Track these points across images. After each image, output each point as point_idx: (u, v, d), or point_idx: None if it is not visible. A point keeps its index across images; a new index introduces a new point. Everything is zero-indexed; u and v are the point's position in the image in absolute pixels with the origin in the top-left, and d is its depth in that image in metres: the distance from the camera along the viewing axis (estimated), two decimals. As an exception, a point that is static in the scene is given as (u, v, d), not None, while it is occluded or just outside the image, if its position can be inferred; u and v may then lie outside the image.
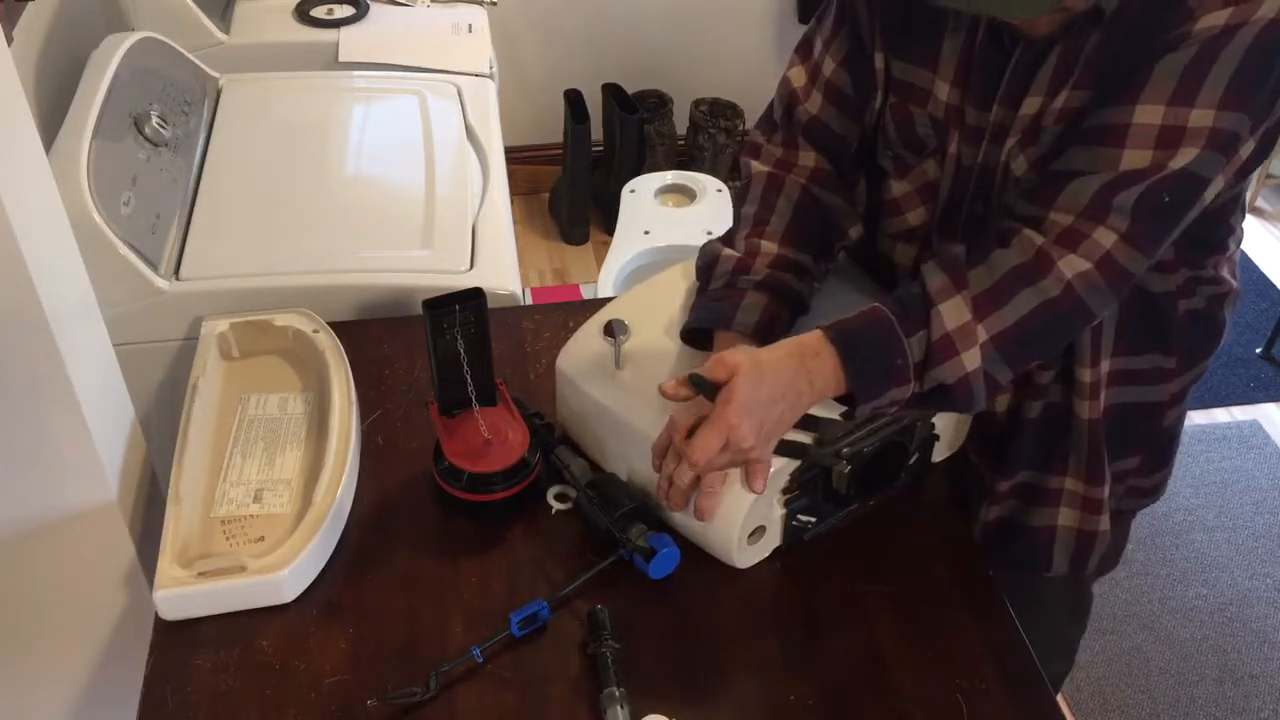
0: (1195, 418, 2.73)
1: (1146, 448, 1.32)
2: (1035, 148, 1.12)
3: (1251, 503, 2.54)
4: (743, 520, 1.16)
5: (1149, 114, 1.02)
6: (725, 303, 1.20)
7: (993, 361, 1.06)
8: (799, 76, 1.28)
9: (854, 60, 1.23)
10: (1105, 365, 1.23)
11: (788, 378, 1.06)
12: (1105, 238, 1.03)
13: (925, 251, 1.28)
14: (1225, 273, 1.24)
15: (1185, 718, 2.12)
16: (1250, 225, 3.36)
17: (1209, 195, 1.05)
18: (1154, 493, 1.39)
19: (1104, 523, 1.31)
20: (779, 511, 1.21)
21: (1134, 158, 1.02)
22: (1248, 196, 1.25)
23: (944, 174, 1.22)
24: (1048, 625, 1.51)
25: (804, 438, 1.15)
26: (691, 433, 1.08)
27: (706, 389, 1.08)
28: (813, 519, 1.23)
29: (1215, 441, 2.68)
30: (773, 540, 1.23)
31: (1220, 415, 2.77)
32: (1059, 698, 1.70)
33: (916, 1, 1.15)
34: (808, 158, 1.27)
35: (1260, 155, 1.09)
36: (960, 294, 1.06)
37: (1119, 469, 1.32)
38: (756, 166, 1.30)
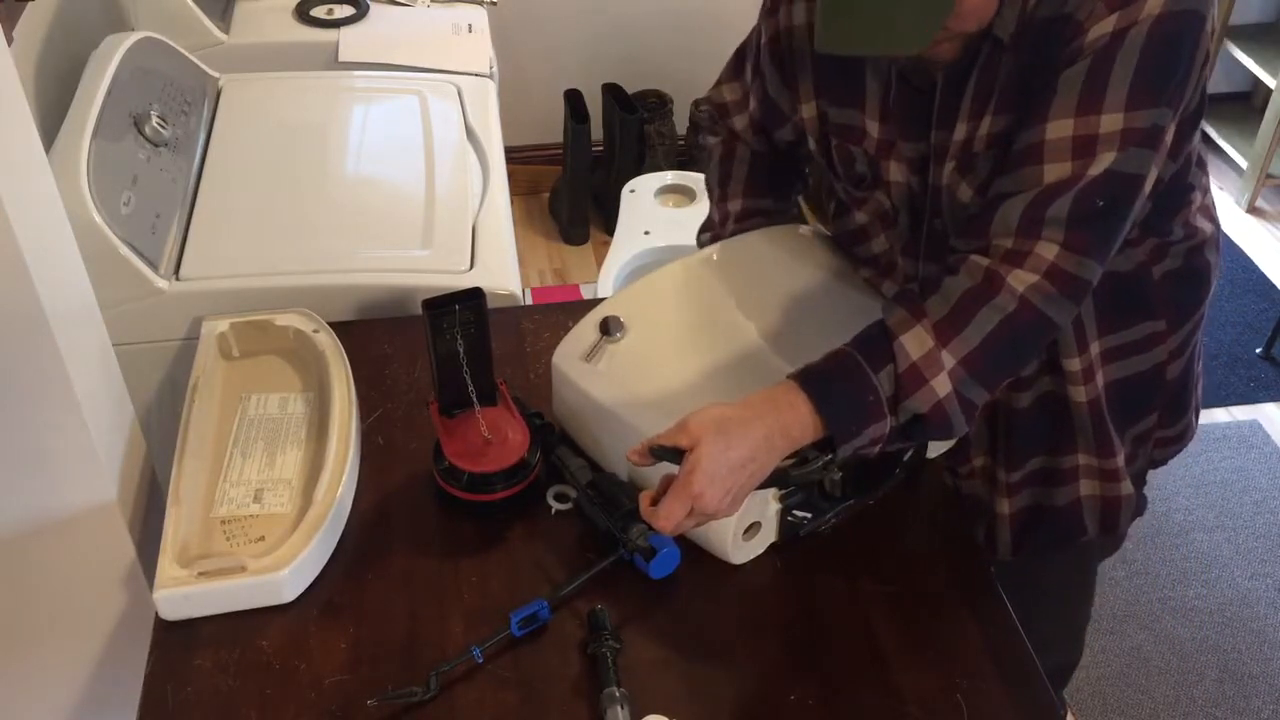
0: (1195, 418, 2.73)
1: (1160, 405, 1.33)
2: (973, 175, 1.15)
3: (1251, 503, 2.54)
4: (738, 517, 1.16)
5: (1060, 128, 1.04)
6: None
7: (966, 385, 1.07)
8: (732, 92, 1.41)
9: (769, 108, 1.35)
10: (1095, 348, 1.24)
11: (759, 438, 1.05)
12: (1047, 250, 1.05)
13: (893, 276, 1.32)
14: (1197, 222, 1.24)
15: (1185, 718, 2.12)
16: (1250, 225, 3.36)
17: (1147, 188, 1.06)
18: (1181, 439, 1.39)
19: (1126, 487, 1.32)
20: (774, 508, 1.21)
21: (1054, 171, 1.04)
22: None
23: (895, 201, 1.25)
24: (1057, 607, 1.52)
25: (785, 462, 1.14)
26: (658, 498, 1.08)
27: (670, 456, 1.07)
28: (808, 515, 1.23)
29: (1215, 441, 2.68)
30: (768, 536, 1.23)
31: (1220, 415, 2.77)
32: (1065, 695, 1.70)
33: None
34: (749, 141, 1.42)
35: (1190, 129, 1.11)
36: (920, 323, 1.07)
37: (1138, 432, 1.33)
38: (709, 139, 1.47)
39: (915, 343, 1.06)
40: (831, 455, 1.08)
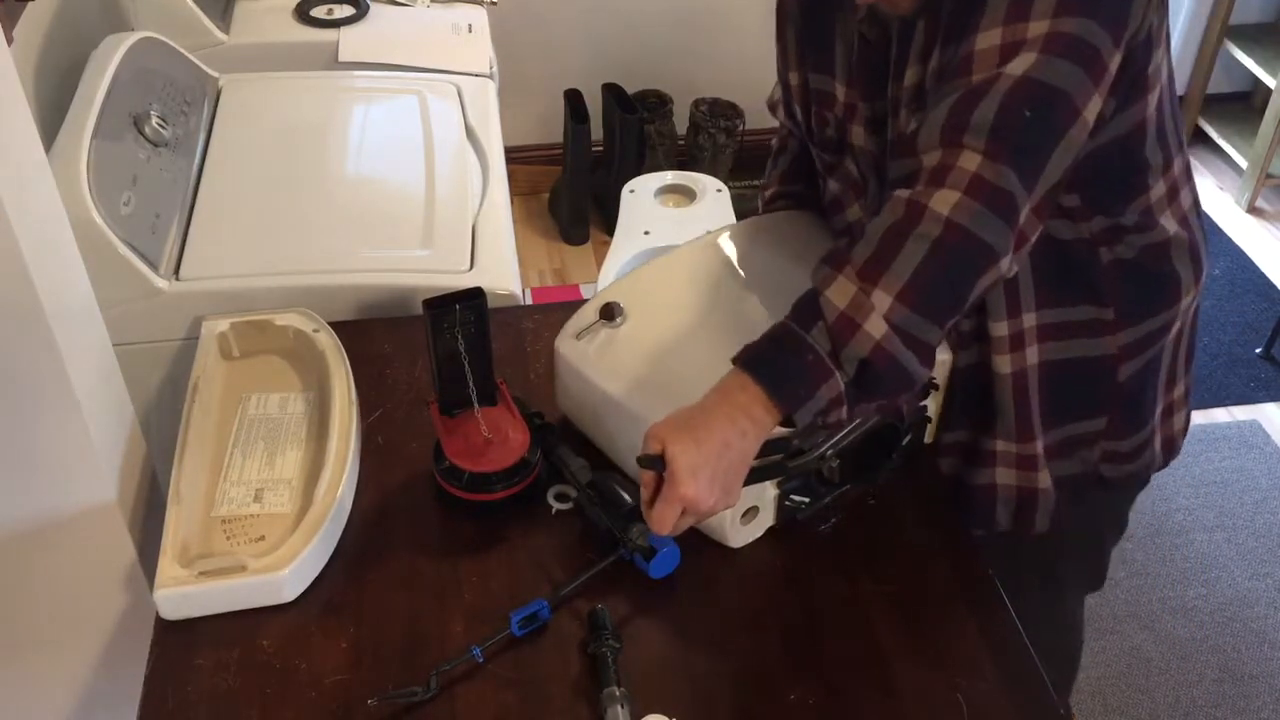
0: (1195, 418, 2.72)
1: (1109, 407, 1.29)
2: (922, 111, 1.12)
3: (1251, 503, 2.54)
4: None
5: (988, 38, 1.02)
6: None
7: (909, 322, 1.03)
8: (778, 89, 1.42)
9: (783, 85, 1.38)
10: (1029, 319, 1.21)
11: (724, 424, 1.05)
12: (969, 161, 1.01)
13: None
14: (1163, 219, 1.21)
15: (1185, 718, 2.12)
16: (1250, 225, 3.36)
17: (1086, 114, 1.03)
18: (1134, 457, 1.34)
19: (1043, 480, 1.30)
20: (772, 492, 1.21)
21: (979, 77, 1.02)
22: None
23: (863, 168, 1.26)
24: (1073, 592, 1.53)
25: (777, 455, 1.14)
26: (651, 499, 1.08)
27: (654, 464, 1.07)
28: (806, 499, 1.23)
29: (1215, 441, 2.68)
30: (766, 520, 1.23)
31: (1220, 415, 2.77)
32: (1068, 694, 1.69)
33: (819, 12, 1.24)
34: (794, 130, 1.43)
35: (1139, 70, 1.08)
36: (841, 273, 1.05)
37: (1081, 431, 1.30)
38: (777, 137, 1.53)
39: (838, 292, 1.04)
40: (794, 427, 1.07)
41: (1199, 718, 2.12)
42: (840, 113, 1.25)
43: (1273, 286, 3.15)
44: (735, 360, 1.08)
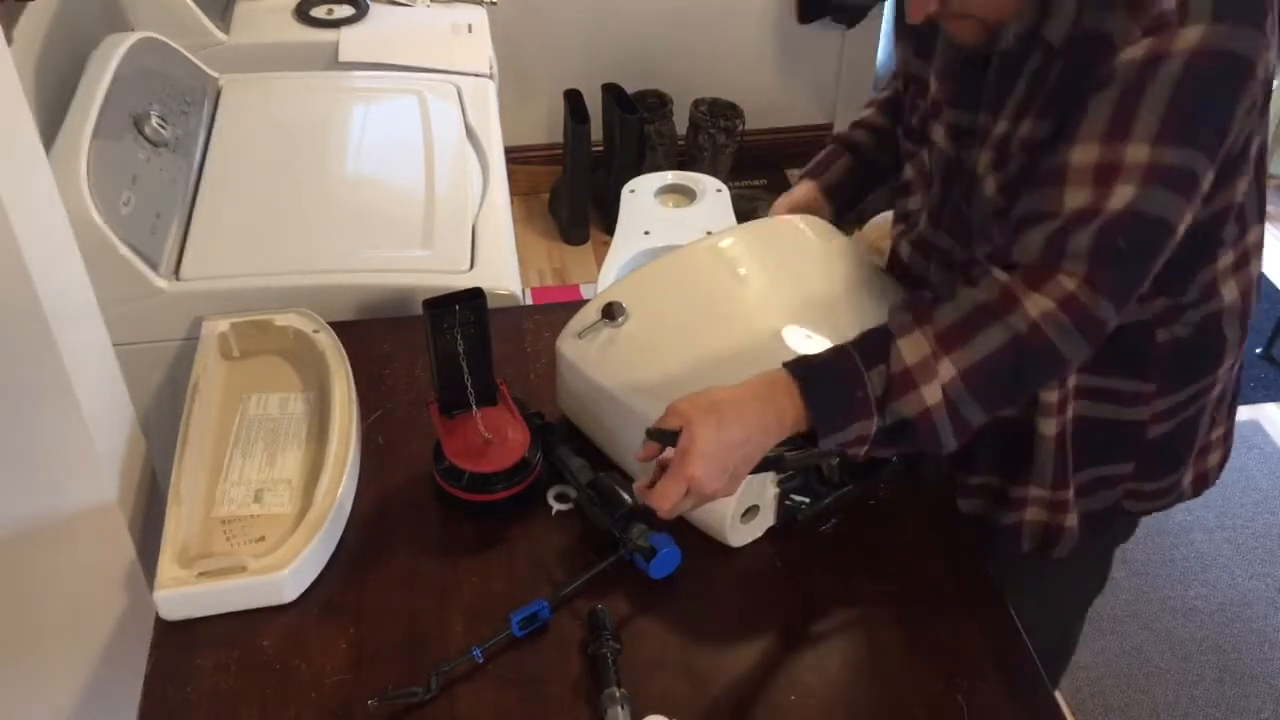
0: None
1: (1136, 458, 1.29)
2: (1003, 173, 1.13)
3: (1251, 503, 2.54)
4: (736, 499, 1.16)
5: (1085, 152, 1.01)
6: (819, 162, 1.49)
7: (962, 399, 1.05)
8: None
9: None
10: (1071, 381, 1.21)
11: (753, 418, 1.06)
12: (1068, 282, 1.02)
13: (920, 246, 1.31)
14: (1222, 286, 1.19)
15: (1185, 718, 2.12)
16: (1250, 225, 3.36)
17: (1180, 229, 1.03)
18: (1160, 496, 1.34)
19: (1070, 520, 1.30)
20: (772, 491, 1.21)
21: (1075, 196, 1.01)
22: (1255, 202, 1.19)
23: (932, 163, 1.25)
24: (1079, 592, 1.53)
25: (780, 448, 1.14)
26: (654, 482, 1.08)
27: (666, 439, 1.07)
28: (806, 499, 1.23)
29: (1215, 441, 2.68)
30: (766, 520, 1.23)
31: (1220, 415, 2.77)
32: (1058, 693, 1.69)
33: None
34: None
35: (1228, 177, 1.06)
36: (920, 329, 1.06)
37: (1105, 474, 1.29)
38: None
39: (912, 348, 1.05)
40: (815, 446, 1.08)
41: (1199, 718, 2.12)
42: (928, 106, 1.24)
43: (1273, 287, 3.15)
44: (787, 365, 1.08)
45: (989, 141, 1.14)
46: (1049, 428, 1.23)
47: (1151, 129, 0.98)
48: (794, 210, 1.45)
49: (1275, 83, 1.07)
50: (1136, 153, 0.99)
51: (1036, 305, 1.02)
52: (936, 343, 1.05)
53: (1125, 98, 0.99)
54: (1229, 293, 1.19)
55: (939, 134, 1.22)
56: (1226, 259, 1.17)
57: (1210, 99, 0.99)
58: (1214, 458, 1.36)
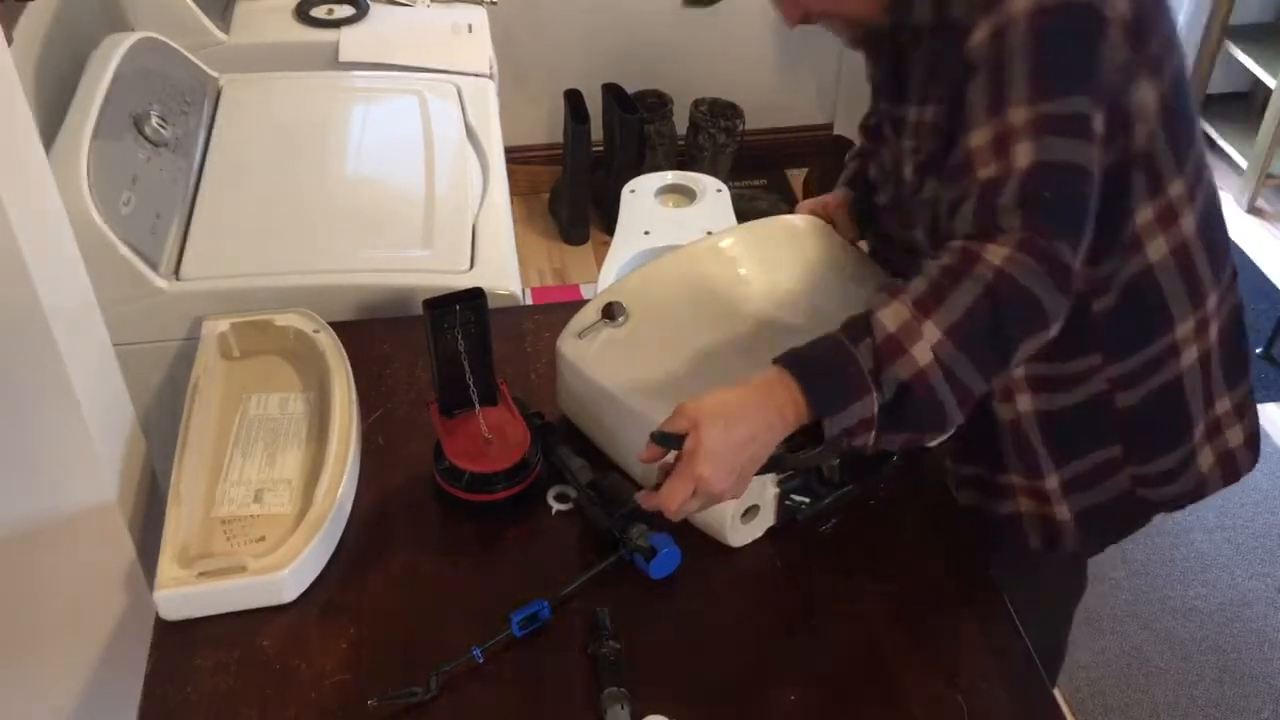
0: (1195, 418, 2.72)
1: (1117, 435, 1.28)
2: (916, 155, 1.20)
3: (1251, 503, 2.54)
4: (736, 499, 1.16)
5: (979, 135, 1.06)
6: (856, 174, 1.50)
7: (954, 359, 1.04)
8: None
9: None
10: (1017, 370, 1.22)
11: (758, 415, 1.06)
12: (1014, 234, 1.04)
13: (884, 238, 1.39)
14: (1149, 243, 1.17)
15: (1185, 718, 2.12)
16: (1250, 225, 3.36)
17: (1095, 175, 1.06)
18: (1170, 479, 1.32)
19: (1062, 512, 1.30)
20: (772, 491, 1.21)
21: (984, 172, 1.05)
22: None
23: (887, 159, 1.30)
24: (1065, 590, 1.55)
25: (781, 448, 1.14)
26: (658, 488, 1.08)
27: (671, 442, 1.07)
28: (806, 500, 1.23)
29: (1215, 441, 2.68)
30: (766, 520, 1.23)
31: (1220, 415, 2.76)
32: (1057, 692, 1.69)
33: None
34: None
35: (1121, 126, 1.09)
36: (897, 299, 1.06)
37: (1095, 462, 1.29)
38: None
39: (892, 315, 1.05)
40: (822, 439, 1.07)
41: (1199, 718, 2.12)
42: (878, 105, 1.30)
43: (1273, 286, 3.15)
44: (777, 360, 1.09)
45: (906, 130, 1.21)
46: (1004, 413, 1.26)
47: (1024, 91, 1.03)
48: (815, 212, 1.48)
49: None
50: (1018, 115, 1.04)
51: (996, 254, 1.04)
52: (915, 309, 1.05)
53: (991, 76, 1.05)
54: (1155, 250, 1.19)
55: (887, 129, 1.27)
56: (1145, 214, 1.17)
57: (1065, 48, 1.04)
58: (1234, 437, 1.35)
